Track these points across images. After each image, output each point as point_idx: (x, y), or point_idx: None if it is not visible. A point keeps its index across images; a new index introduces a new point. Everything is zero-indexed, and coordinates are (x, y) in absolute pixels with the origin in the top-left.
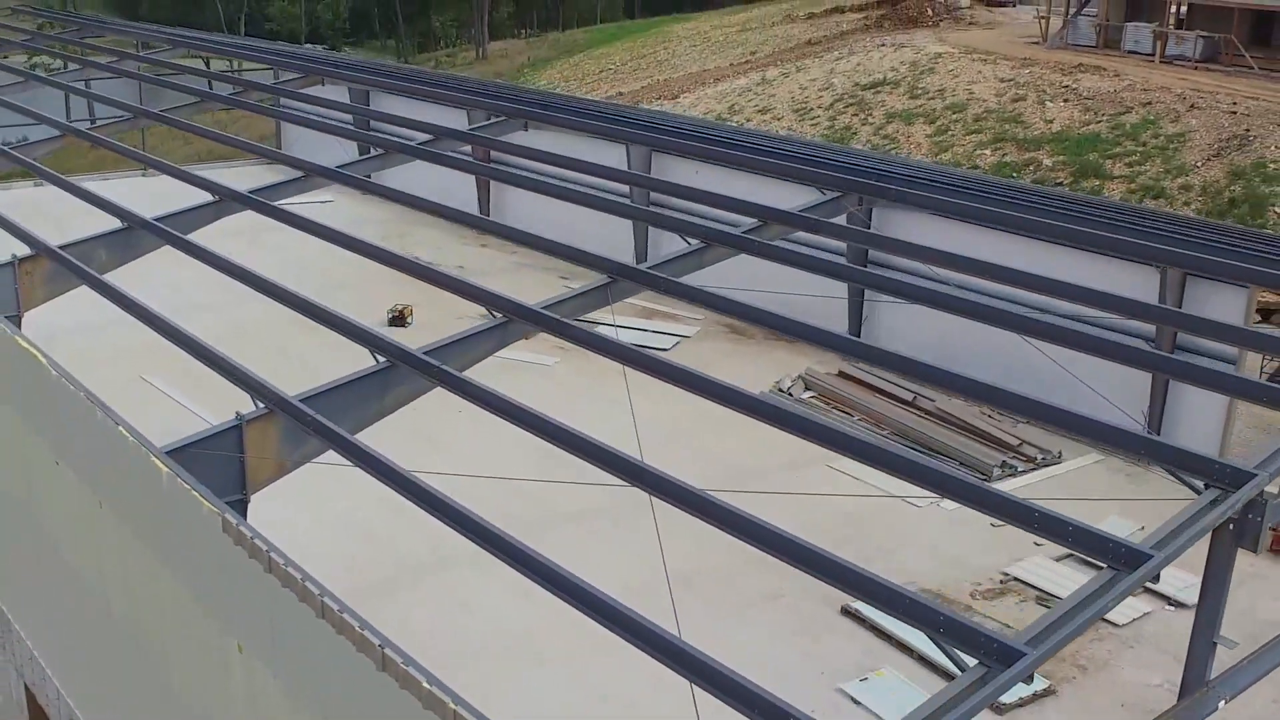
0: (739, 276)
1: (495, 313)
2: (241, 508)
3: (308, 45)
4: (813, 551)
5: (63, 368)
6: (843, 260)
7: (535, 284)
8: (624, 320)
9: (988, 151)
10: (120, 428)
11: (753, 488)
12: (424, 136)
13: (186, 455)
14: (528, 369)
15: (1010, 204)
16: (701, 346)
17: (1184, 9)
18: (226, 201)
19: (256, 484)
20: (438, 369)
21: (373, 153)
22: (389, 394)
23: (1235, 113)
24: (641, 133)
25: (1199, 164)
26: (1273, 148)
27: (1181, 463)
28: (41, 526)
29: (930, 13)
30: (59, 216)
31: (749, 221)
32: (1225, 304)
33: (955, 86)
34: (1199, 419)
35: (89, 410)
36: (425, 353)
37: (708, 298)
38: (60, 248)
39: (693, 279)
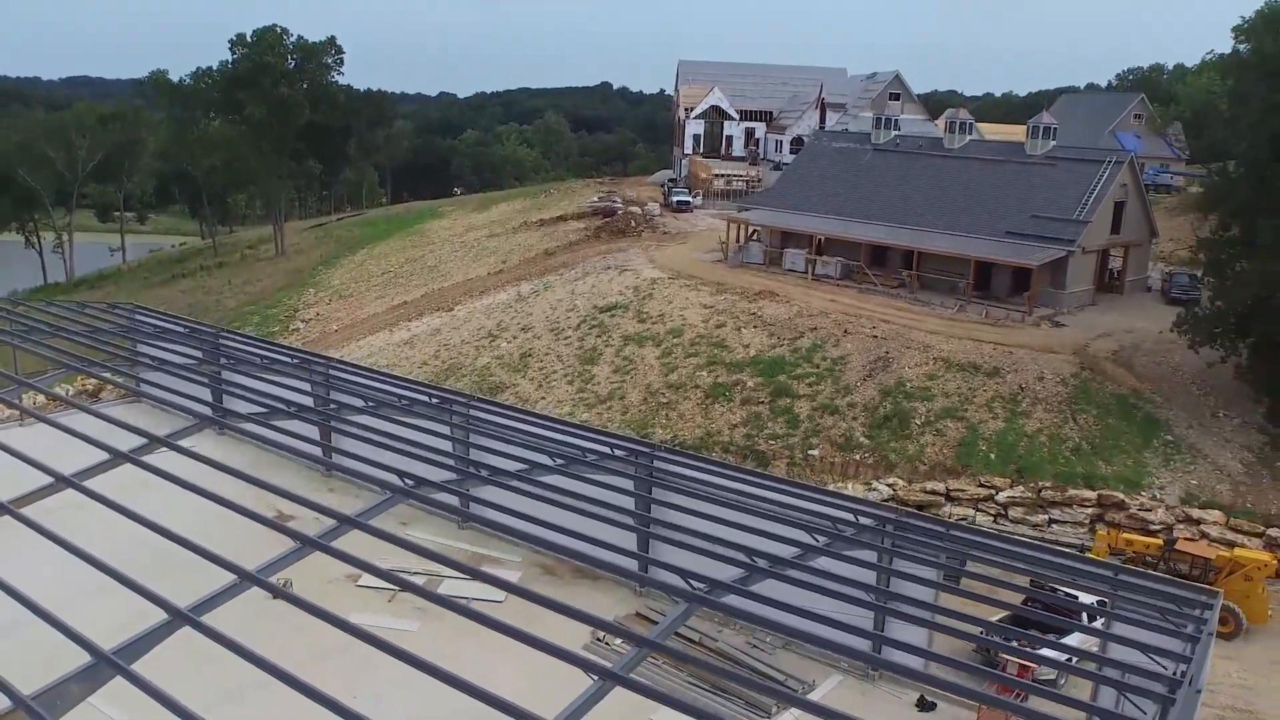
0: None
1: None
2: None
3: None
4: None
5: None
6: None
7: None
8: (460, 577)
9: (705, 373)
10: None
11: None
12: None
13: None
14: (389, 634)
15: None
16: (535, 575)
17: (823, 239)
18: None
19: None
20: None
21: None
22: None
23: (876, 337)
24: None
25: (858, 383)
26: (907, 368)
27: None
28: None
29: (635, 224)
30: None
31: None
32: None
33: (671, 312)
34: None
35: None
36: None
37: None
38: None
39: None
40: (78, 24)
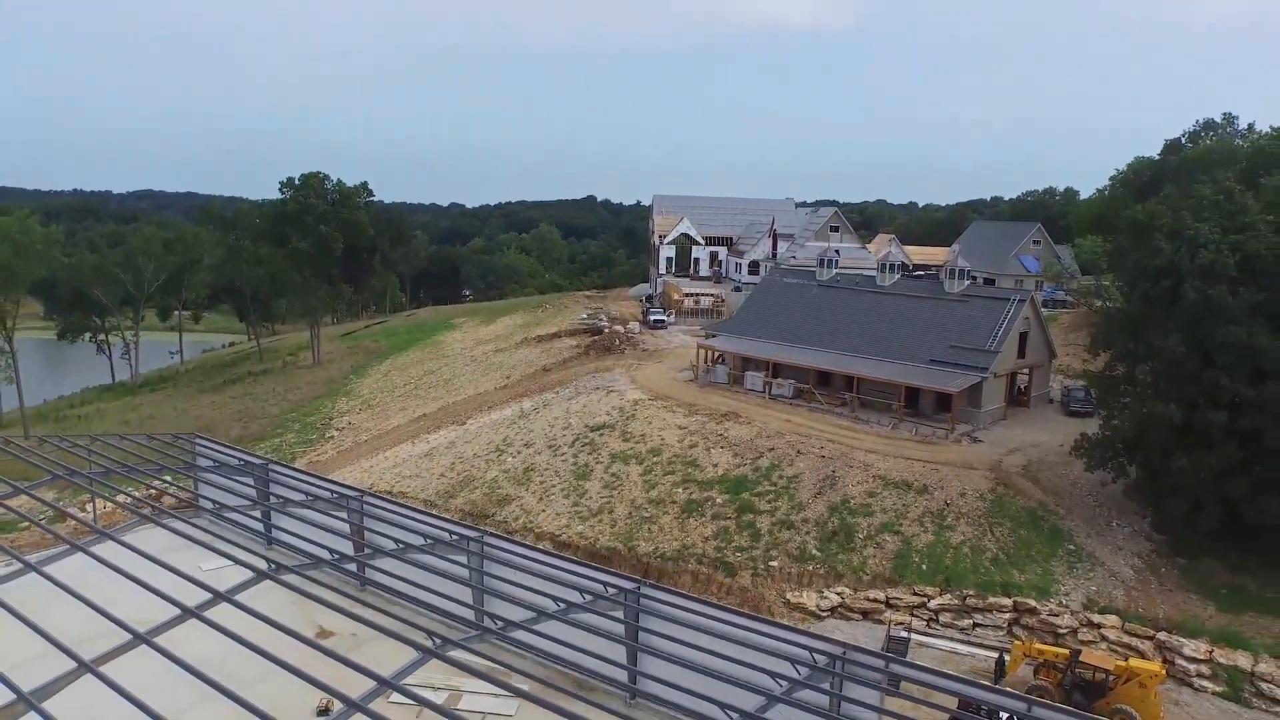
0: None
1: None
2: None
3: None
4: None
5: None
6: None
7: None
8: (471, 685)
9: (680, 490)
10: None
11: None
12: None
13: None
14: None
15: None
16: (536, 709)
17: (777, 364)
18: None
19: None
20: None
21: None
22: None
23: (824, 456)
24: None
25: (810, 500)
26: (850, 485)
27: None
28: None
29: (618, 342)
30: None
31: None
32: None
33: (651, 432)
34: None
35: None
36: None
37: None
38: None
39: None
40: (145, 142)
